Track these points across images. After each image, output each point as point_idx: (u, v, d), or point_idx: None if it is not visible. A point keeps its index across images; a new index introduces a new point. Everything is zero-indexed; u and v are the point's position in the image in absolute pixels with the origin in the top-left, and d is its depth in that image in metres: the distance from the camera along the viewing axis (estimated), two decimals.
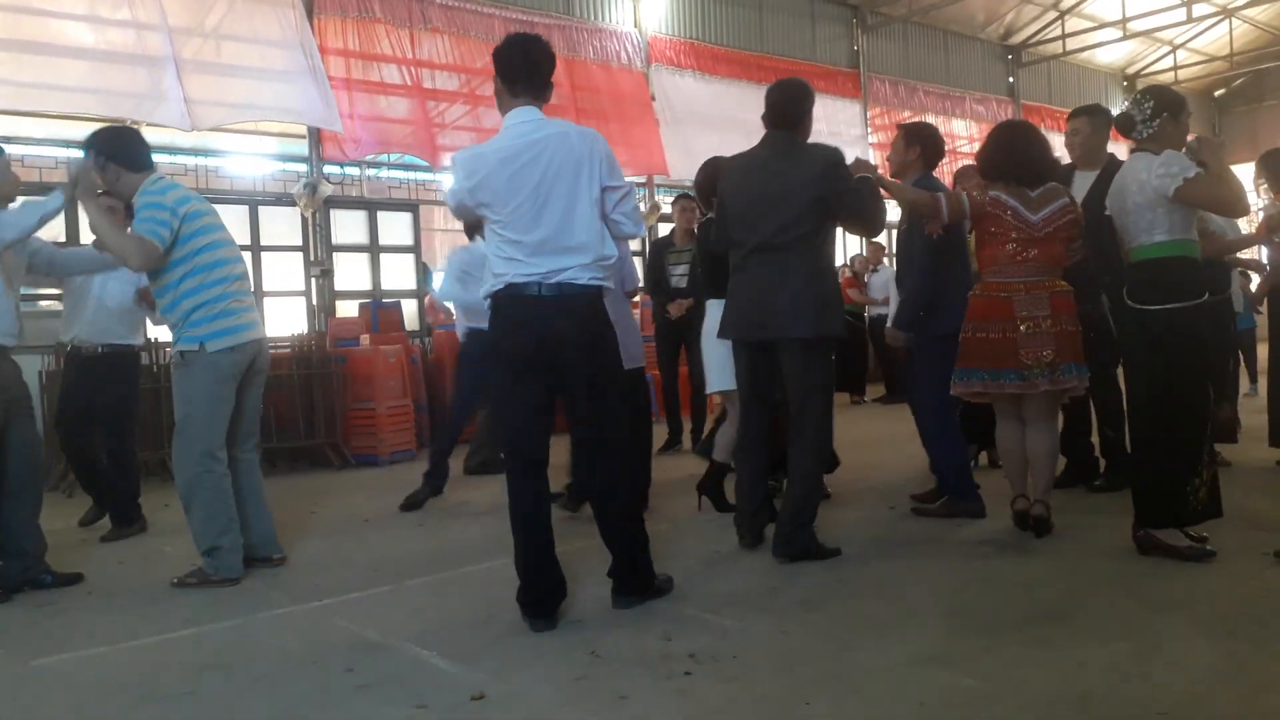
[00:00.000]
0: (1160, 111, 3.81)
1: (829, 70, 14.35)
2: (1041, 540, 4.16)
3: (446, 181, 10.67)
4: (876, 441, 7.12)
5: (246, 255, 8.59)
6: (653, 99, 12.15)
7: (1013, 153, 4.26)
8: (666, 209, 11.65)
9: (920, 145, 4.82)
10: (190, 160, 8.89)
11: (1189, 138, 3.87)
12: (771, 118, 4.18)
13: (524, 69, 3.43)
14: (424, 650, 3.15)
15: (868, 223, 4.16)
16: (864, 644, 3.02)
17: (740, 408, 4.35)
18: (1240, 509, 4.47)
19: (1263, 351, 5.83)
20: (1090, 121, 5.04)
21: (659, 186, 12.10)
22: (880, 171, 4.38)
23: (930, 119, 15.72)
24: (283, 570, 4.31)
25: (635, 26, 12.16)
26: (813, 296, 3.97)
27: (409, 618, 3.55)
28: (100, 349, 5.18)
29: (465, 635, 3.30)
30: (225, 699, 2.85)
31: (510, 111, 3.43)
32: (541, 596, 3.36)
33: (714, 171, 4.79)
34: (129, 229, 4.05)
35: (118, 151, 4.15)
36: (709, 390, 5.07)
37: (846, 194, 3.99)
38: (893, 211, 4.85)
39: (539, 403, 3.38)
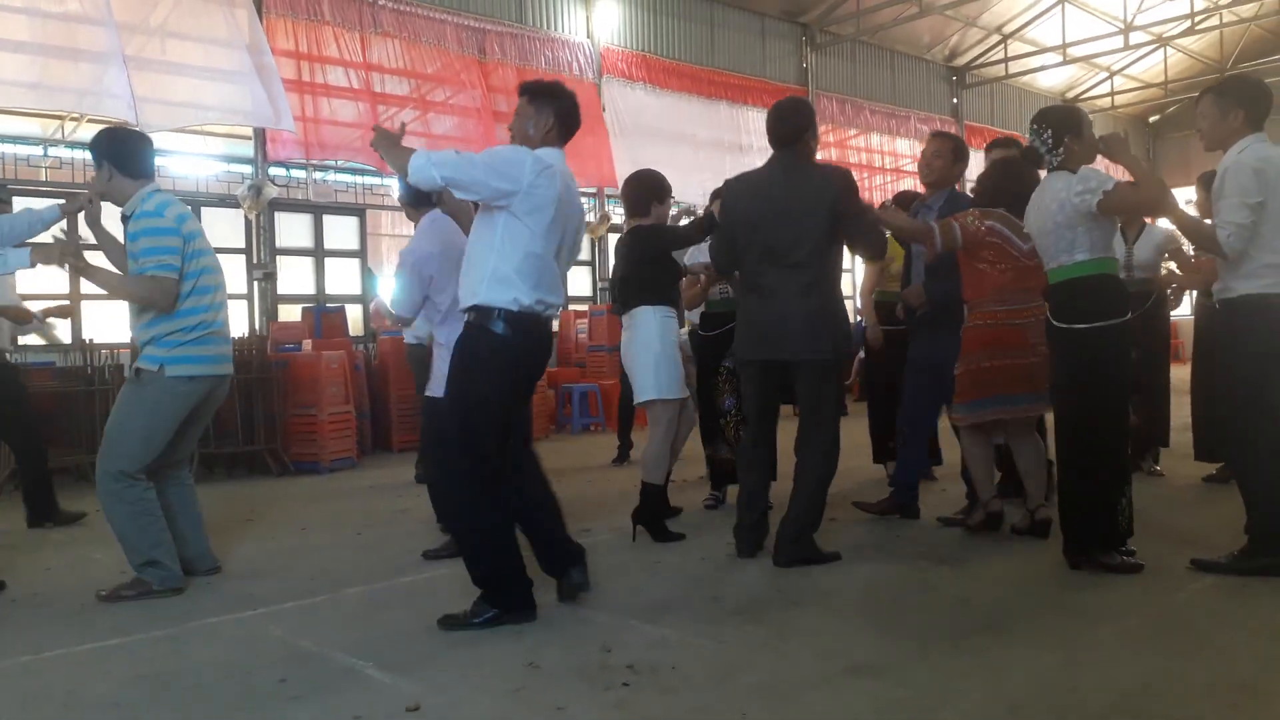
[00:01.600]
0: (1061, 136, 3.87)
1: (778, 87, 14.51)
2: (977, 553, 4.23)
3: (394, 186, 10.61)
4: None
5: None
6: (603, 110, 12.19)
7: (1018, 181, 4.36)
8: (617, 219, 11.71)
9: (965, 164, 5.02)
10: None
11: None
12: (774, 137, 4.23)
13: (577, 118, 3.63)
14: (359, 660, 3.10)
15: (872, 246, 4.27)
16: (801, 654, 3.04)
17: (752, 422, 4.38)
18: (1165, 524, 4.61)
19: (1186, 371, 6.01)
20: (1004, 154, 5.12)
21: (609, 198, 12.13)
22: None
23: (876, 137, 16.02)
24: (216, 579, 4.22)
25: (588, 37, 12.20)
26: (829, 318, 4.08)
27: (345, 627, 3.50)
28: None
29: (402, 645, 3.26)
30: (153, 710, 2.78)
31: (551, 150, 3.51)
32: (529, 590, 3.47)
33: (650, 182, 4.91)
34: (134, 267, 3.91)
35: (116, 154, 4.00)
36: (637, 401, 4.90)
37: (857, 216, 4.10)
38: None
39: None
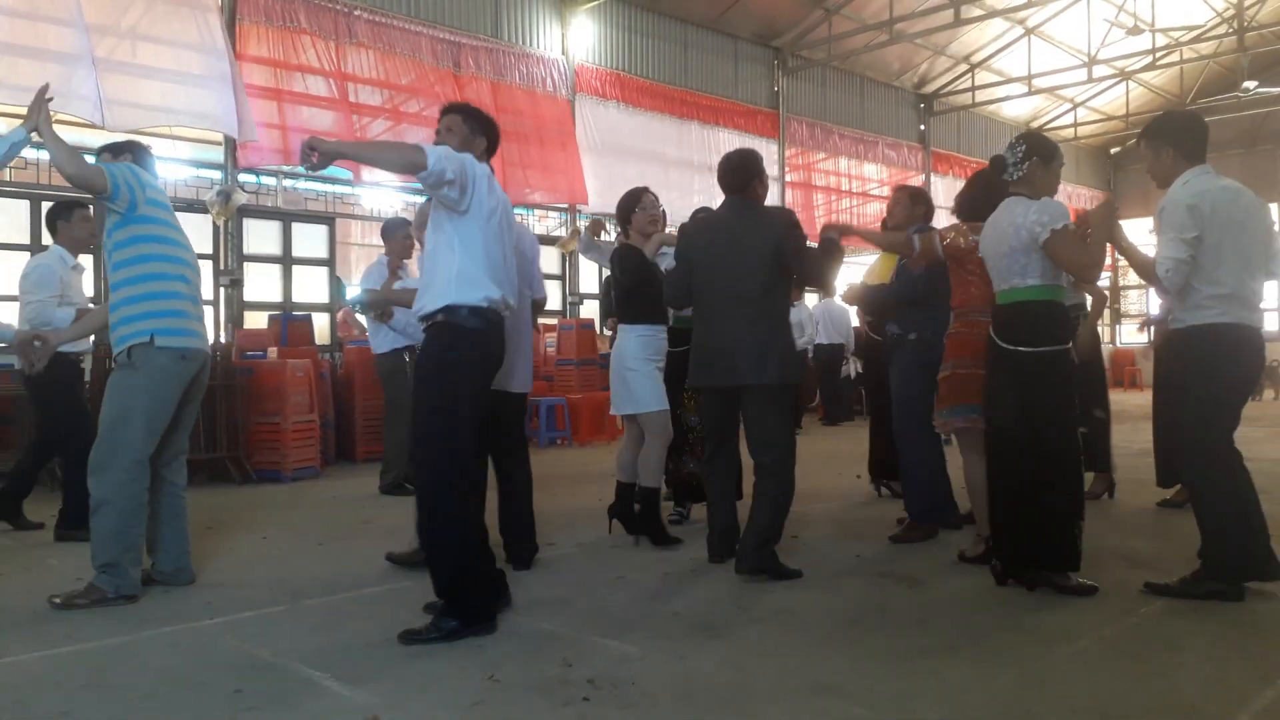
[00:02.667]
0: (1031, 155, 3.97)
1: (749, 109, 14.67)
2: (936, 573, 4.28)
3: (366, 195, 10.58)
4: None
5: None
6: (575, 127, 12.25)
7: (1000, 193, 4.38)
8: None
9: (925, 207, 5.34)
10: None
11: (1103, 197, 4.05)
12: (724, 186, 4.54)
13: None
14: (317, 672, 3.08)
15: (815, 280, 4.60)
16: (762, 671, 3.06)
17: (710, 441, 4.57)
18: (1121, 548, 4.68)
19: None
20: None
21: (580, 213, 12.17)
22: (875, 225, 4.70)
23: (844, 161, 16.20)
24: (174, 587, 4.17)
25: (563, 54, 12.26)
26: (775, 346, 4.29)
27: (303, 638, 3.47)
28: None
29: (361, 657, 3.24)
30: (105, 719, 2.74)
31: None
32: (493, 603, 3.56)
33: (624, 202, 5.19)
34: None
35: (142, 161, 4.17)
36: (613, 412, 5.18)
37: (799, 253, 4.34)
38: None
39: None
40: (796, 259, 4.37)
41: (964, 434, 4.47)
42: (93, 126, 8.20)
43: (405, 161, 3.41)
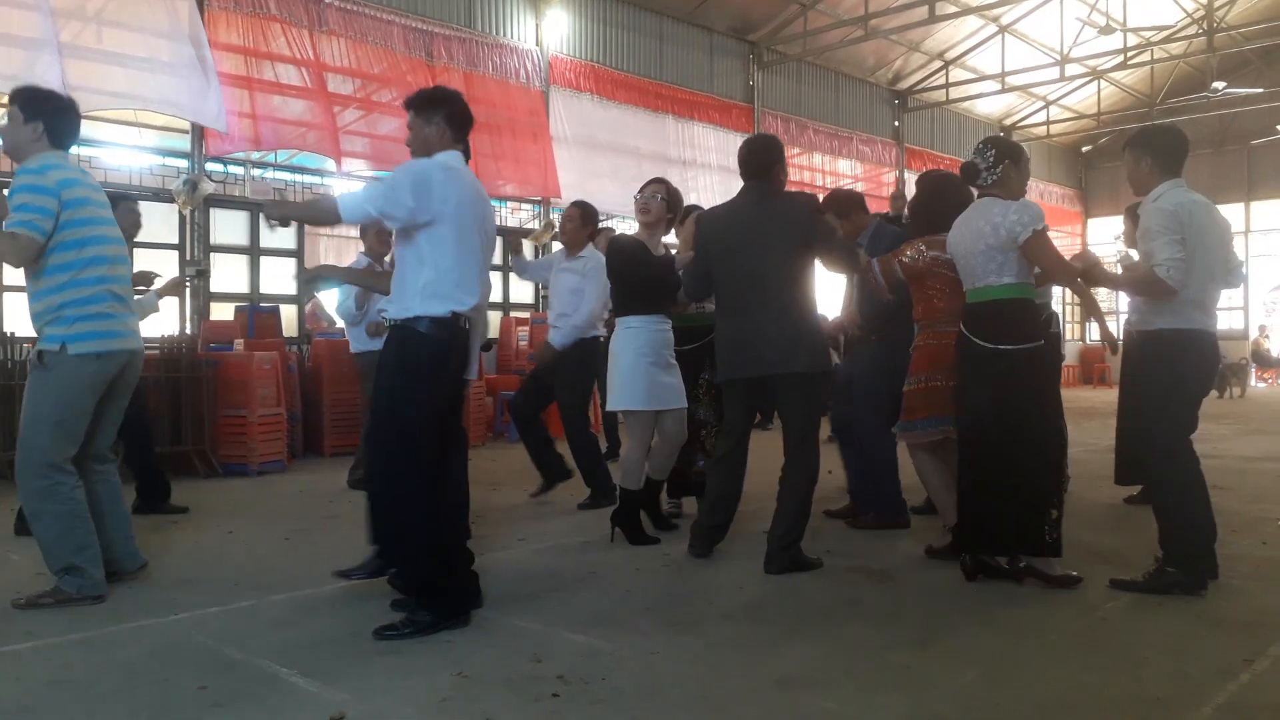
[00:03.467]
0: (1002, 159, 4.05)
1: (724, 103, 14.66)
2: (906, 567, 4.31)
3: (336, 185, 10.47)
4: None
5: None
6: (549, 119, 12.19)
7: (942, 199, 4.52)
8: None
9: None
10: None
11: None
12: (745, 170, 4.43)
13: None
14: (283, 668, 3.04)
15: (844, 263, 4.44)
16: (731, 666, 3.06)
17: (731, 437, 4.51)
18: (1087, 543, 4.72)
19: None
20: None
21: (554, 206, 12.12)
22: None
23: (818, 157, 16.24)
24: (137, 582, 4.10)
25: (537, 44, 12.19)
26: (805, 335, 4.23)
27: (269, 634, 3.43)
28: None
29: (328, 653, 3.21)
30: (67, 715, 2.70)
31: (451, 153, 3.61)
32: (467, 599, 3.55)
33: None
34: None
35: (55, 121, 3.78)
36: (610, 408, 4.99)
37: (822, 235, 4.29)
38: None
39: None
40: (824, 244, 4.30)
41: (937, 445, 4.46)
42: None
43: (325, 219, 3.61)
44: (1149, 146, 4.02)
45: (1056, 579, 3.93)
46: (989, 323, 3.97)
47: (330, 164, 10.11)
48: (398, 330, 3.49)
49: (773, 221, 4.27)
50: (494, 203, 11.44)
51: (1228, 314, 21.59)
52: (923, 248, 4.42)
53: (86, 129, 8.65)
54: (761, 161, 4.39)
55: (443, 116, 3.59)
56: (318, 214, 3.87)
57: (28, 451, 3.73)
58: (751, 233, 4.28)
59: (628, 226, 11.27)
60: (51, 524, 3.73)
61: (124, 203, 5.52)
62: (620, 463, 4.94)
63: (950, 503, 4.41)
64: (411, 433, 3.41)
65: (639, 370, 4.76)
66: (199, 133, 9.14)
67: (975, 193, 4.22)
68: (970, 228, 4.04)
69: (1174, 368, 3.92)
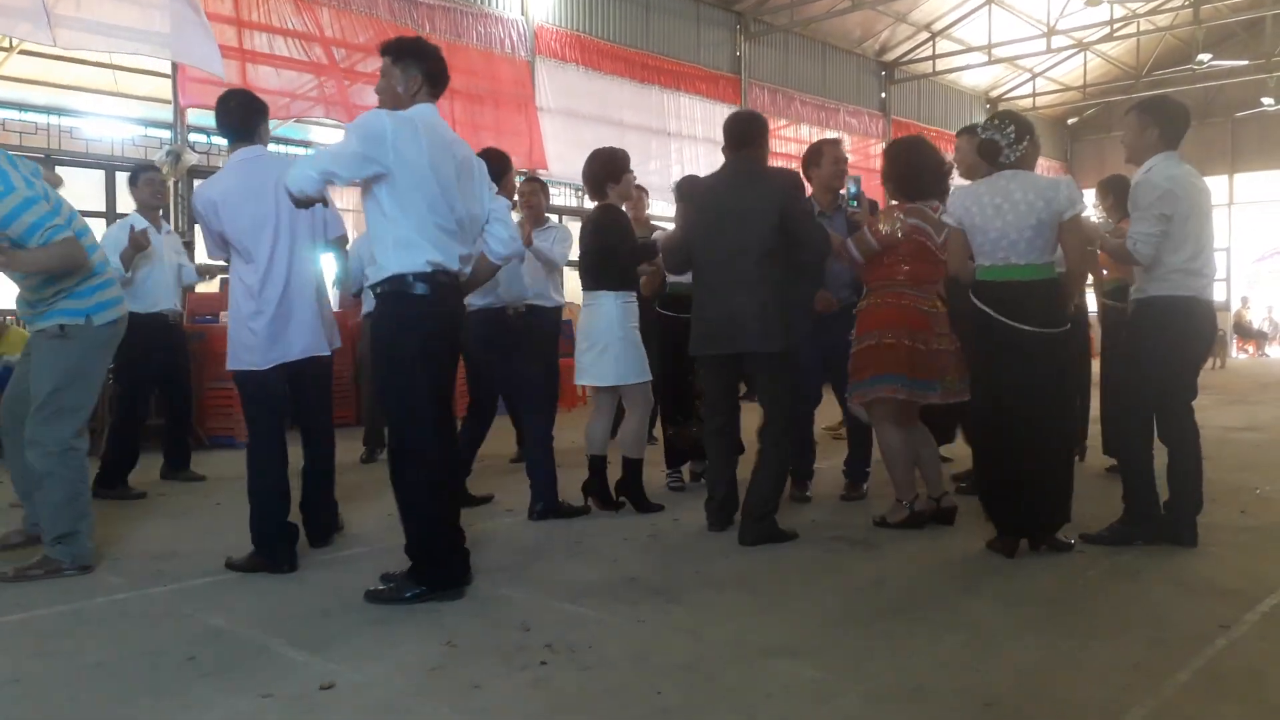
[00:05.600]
0: (1023, 136, 3.97)
1: (711, 74, 14.57)
2: (889, 537, 4.35)
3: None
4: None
5: (101, 223, 8.19)
6: (535, 90, 12.08)
7: (927, 165, 4.51)
8: (558, 200, 11.61)
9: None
10: (42, 119, 8.34)
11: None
12: (730, 142, 4.43)
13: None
14: (272, 638, 3.06)
15: (813, 247, 4.36)
16: (717, 635, 3.09)
17: (713, 412, 4.55)
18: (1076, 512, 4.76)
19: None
20: (972, 140, 5.14)
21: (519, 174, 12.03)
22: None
23: (805, 129, 16.18)
24: (126, 555, 4.11)
25: (522, 14, 12.06)
26: (780, 312, 4.22)
27: (258, 604, 3.44)
28: None
29: (317, 623, 3.23)
30: (54, 687, 2.71)
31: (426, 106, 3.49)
32: (461, 569, 3.54)
33: (611, 162, 4.88)
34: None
35: None
36: (579, 382, 5.02)
37: (799, 216, 4.25)
38: None
39: None
40: (796, 225, 4.24)
41: (879, 404, 4.42)
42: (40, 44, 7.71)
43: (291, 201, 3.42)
44: (1159, 115, 4.02)
45: (1069, 546, 4.05)
46: (1029, 305, 3.86)
47: (313, 134, 10.00)
48: (383, 295, 3.41)
49: (751, 196, 4.26)
50: None
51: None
52: (901, 216, 4.40)
53: (67, 99, 8.58)
54: (751, 130, 4.41)
55: (420, 70, 3.46)
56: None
57: (55, 419, 3.76)
58: (731, 207, 4.27)
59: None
60: (61, 487, 3.77)
61: (143, 174, 5.91)
62: (624, 435, 4.97)
63: (908, 480, 4.48)
64: (408, 397, 3.40)
65: (639, 342, 4.83)
66: (179, 111, 9.00)
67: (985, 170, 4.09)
68: (1010, 201, 3.88)
69: (1167, 334, 4.00)
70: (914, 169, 4.50)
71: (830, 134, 16.64)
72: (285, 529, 3.89)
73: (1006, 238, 3.89)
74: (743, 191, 4.29)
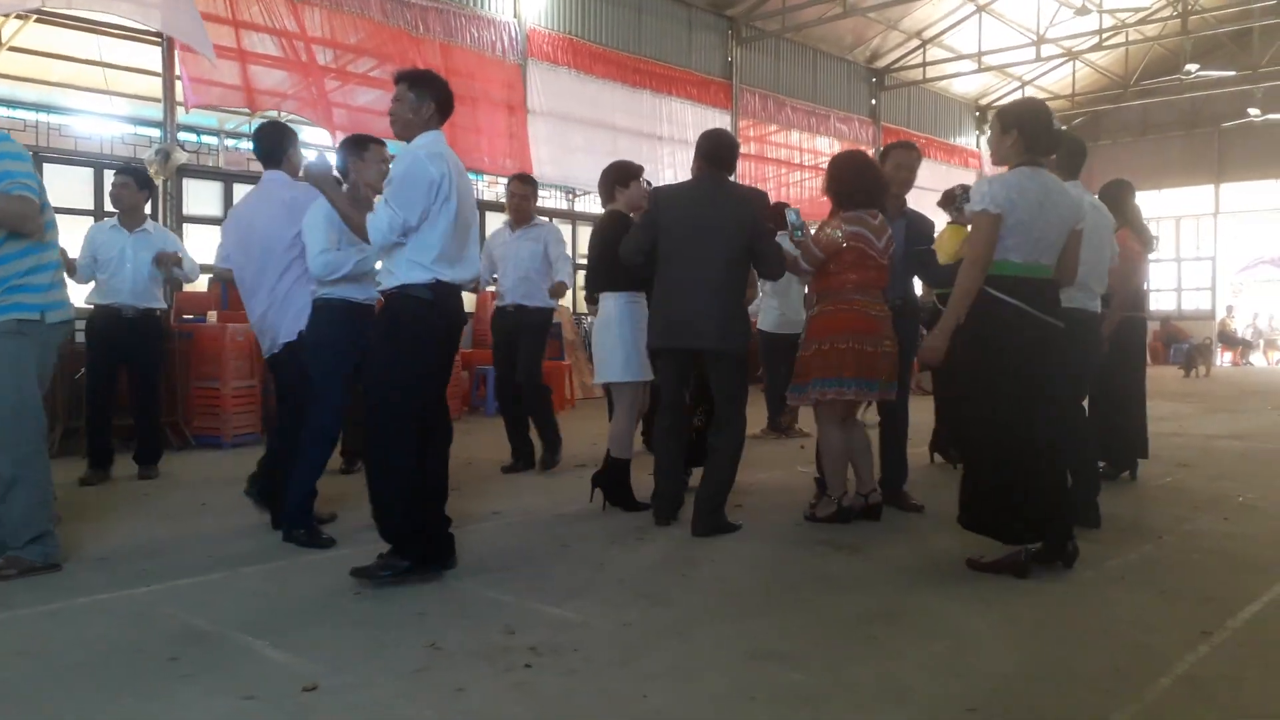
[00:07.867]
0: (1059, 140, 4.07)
1: (702, 79, 14.61)
2: (875, 541, 4.36)
3: (310, 157, 10.36)
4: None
5: (89, 221, 8.14)
6: (526, 93, 12.09)
7: (866, 176, 4.64)
8: (548, 203, 11.62)
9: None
10: (31, 115, 8.31)
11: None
12: (709, 159, 4.62)
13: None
14: (256, 639, 3.05)
15: (772, 266, 4.64)
16: (703, 638, 3.10)
17: (667, 406, 4.71)
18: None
19: None
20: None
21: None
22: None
23: (795, 134, 16.23)
24: (110, 555, 4.09)
25: (515, 17, 12.07)
26: (736, 315, 4.55)
27: (242, 605, 3.43)
28: None
29: (301, 624, 3.21)
30: (35, 687, 2.69)
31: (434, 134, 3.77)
32: (443, 547, 3.73)
33: (620, 169, 5.19)
34: None
35: None
36: (597, 380, 5.33)
37: (764, 236, 4.53)
38: None
39: None
40: (760, 243, 4.50)
41: (828, 406, 4.62)
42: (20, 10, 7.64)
43: (354, 229, 3.78)
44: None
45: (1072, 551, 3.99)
46: (1054, 303, 3.85)
47: (304, 134, 9.97)
48: (389, 295, 3.67)
49: (723, 211, 4.49)
50: (470, 175, 11.44)
51: (1195, 294, 21.91)
52: (843, 225, 4.53)
53: (56, 96, 8.52)
54: (729, 157, 4.68)
55: (434, 98, 3.73)
56: (352, 222, 3.79)
57: (21, 419, 3.68)
58: (703, 217, 4.49)
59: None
60: (33, 492, 3.73)
61: (118, 176, 5.94)
62: (614, 433, 5.05)
63: (840, 481, 4.69)
64: (400, 390, 3.60)
65: (634, 342, 4.99)
66: (170, 103, 8.99)
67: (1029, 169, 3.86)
68: (1050, 201, 3.72)
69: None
70: (854, 180, 4.62)
71: (821, 140, 16.71)
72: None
73: (1047, 238, 3.74)
74: (719, 206, 4.51)
